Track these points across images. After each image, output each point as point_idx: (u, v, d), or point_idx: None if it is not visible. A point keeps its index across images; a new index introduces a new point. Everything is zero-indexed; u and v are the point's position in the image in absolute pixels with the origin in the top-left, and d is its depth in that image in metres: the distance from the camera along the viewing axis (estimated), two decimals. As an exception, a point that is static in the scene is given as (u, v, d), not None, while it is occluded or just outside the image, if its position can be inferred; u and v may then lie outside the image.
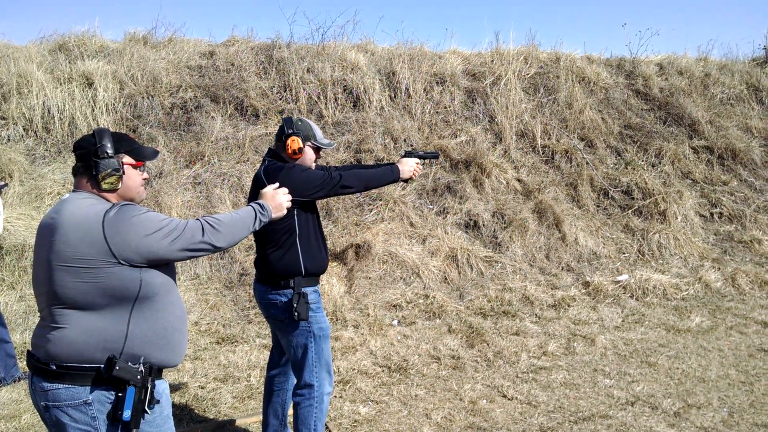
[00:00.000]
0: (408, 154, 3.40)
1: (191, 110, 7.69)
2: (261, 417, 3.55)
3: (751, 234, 7.80)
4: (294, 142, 3.01)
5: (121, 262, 1.91)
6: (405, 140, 7.88)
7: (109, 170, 2.03)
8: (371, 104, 8.23)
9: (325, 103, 8.07)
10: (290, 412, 3.43)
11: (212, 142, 7.33)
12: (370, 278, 6.26)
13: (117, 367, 1.89)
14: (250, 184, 6.95)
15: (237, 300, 5.87)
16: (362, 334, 5.41)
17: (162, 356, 2.06)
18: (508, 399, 4.35)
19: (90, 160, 2.03)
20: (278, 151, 3.11)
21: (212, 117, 7.63)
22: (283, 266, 2.97)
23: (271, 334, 3.42)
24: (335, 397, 4.30)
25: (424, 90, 8.62)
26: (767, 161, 9.10)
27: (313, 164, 3.17)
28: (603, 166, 8.44)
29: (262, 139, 7.55)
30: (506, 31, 13.32)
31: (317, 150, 3.17)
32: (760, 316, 6.07)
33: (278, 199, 2.48)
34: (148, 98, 7.62)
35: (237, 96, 7.89)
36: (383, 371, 4.76)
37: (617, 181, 8.23)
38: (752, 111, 9.85)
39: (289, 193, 2.58)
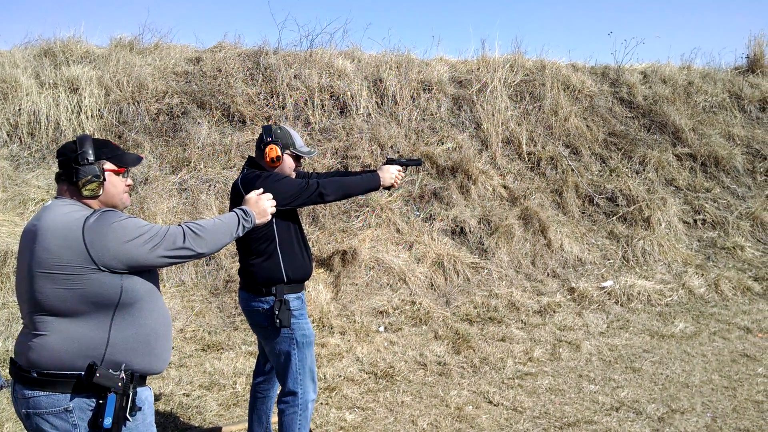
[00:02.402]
0: (390, 162, 3.37)
1: (177, 116, 7.67)
2: (246, 425, 3.54)
3: (733, 240, 7.88)
4: (272, 151, 2.98)
5: (101, 268, 1.90)
6: (392, 147, 7.90)
7: (89, 177, 2.02)
8: (358, 111, 8.24)
9: (312, 110, 8.08)
10: (274, 419, 3.42)
11: (198, 148, 7.31)
12: (356, 285, 6.26)
13: (97, 374, 1.89)
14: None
15: (223, 307, 5.85)
16: (348, 340, 5.40)
17: (144, 363, 2.05)
18: (494, 405, 4.36)
19: (71, 167, 2.02)
20: (257, 160, 3.10)
21: (198, 123, 7.61)
22: (265, 274, 2.97)
23: (257, 342, 3.42)
24: (321, 404, 4.29)
25: (411, 97, 8.65)
26: (749, 168, 9.21)
27: (293, 172, 3.15)
28: (588, 173, 8.51)
29: (248, 146, 7.54)
30: (492, 39, 13.41)
31: (297, 158, 3.14)
32: (743, 321, 6.13)
33: (262, 204, 2.46)
34: (133, 104, 7.59)
35: (223, 102, 7.87)
36: (369, 378, 4.76)
37: (602, 187, 8.30)
38: (734, 119, 9.97)
39: None
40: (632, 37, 17.00)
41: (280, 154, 3.01)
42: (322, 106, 8.18)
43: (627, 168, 8.66)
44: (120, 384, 1.94)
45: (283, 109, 8.03)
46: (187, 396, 4.38)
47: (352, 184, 3.13)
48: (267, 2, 24.17)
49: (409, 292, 6.29)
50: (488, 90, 8.99)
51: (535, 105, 9.13)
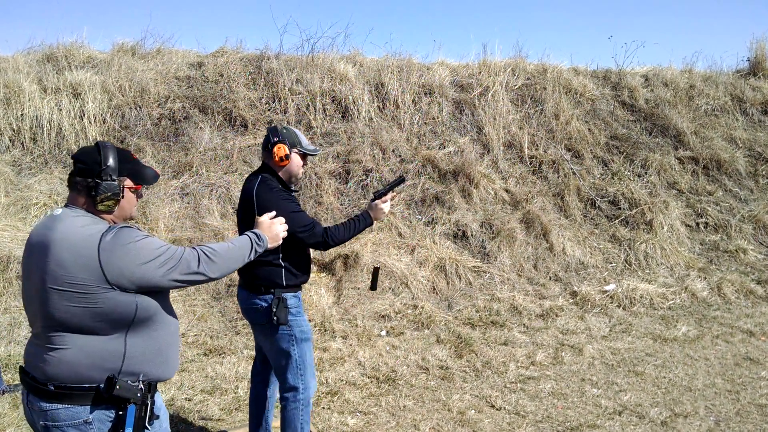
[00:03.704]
0: (376, 196, 3.32)
1: (179, 121, 7.68)
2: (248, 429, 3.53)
3: (736, 243, 7.87)
4: (280, 150, 3.02)
5: (114, 287, 1.87)
6: (393, 151, 7.90)
7: (109, 194, 1.98)
8: (360, 115, 8.25)
9: (314, 114, 8.09)
10: (275, 424, 3.42)
11: (200, 152, 7.32)
12: (358, 289, 6.25)
13: (117, 386, 1.88)
14: (238, 194, 6.91)
15: (224, 311, 5.85)
16: (350, 344, 5.40)
17: (159, 372, 2.05)
18: (497, 409, 4.35)
19: (91, 178, 1.97)
20: (266, 161, 3.13)
21: (200, 127, 7.62)
22: (266, 276, 3.02)
23: (254, 342, 3.44)
24: (323, 408, 4.28)
25: (413, 101, 8.66)
26: (751, 172, 9.20)
27: (301, 170, 3.19)
28: (590, 177, 8.50)
29: (250, 150, 7.55)
30: (493, 43, 13.43)
31: (304, 156, 3.18)
32: (746, 325, 6.12)
33: (275, 229, 2.49)
34: (136, 109, 7.61)
35: (225, 107, 7.89)
36: (371, 382, 4.75)
37: (604, 191, 8.29)
38: (736, 122, 9.97)
39: (262, 213, 2.69)
40: (632, 41, 16.98)
41: (288, 153, 3.05)
42: (324, 111, 8.19)
43: (629, 171, 8.65)
44: (139, 394, 1.93)
45: (285, 113, 8.04)
46: (189, 400, 4.38)
47: (350, 231, 3.15)
48: (268, 7, 24.26)
49: (411, 296, 6.29)
50: (490, 94, 8.99)
51: (537, 109, 9.13)
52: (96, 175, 1.97)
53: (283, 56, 8.76)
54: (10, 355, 4.76)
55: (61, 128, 7.21)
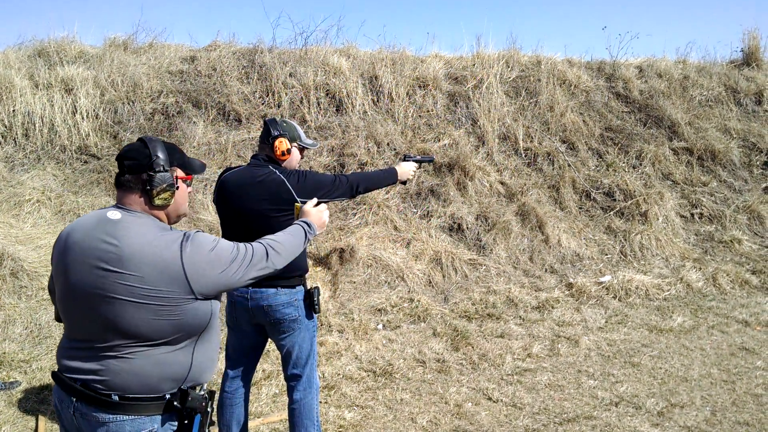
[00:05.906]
0: (407, 158, 3.54)
1: (173, 116, 7.64)
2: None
3: (731, 234, 7.89)
4: (282, 144, 3.01)
5: (198, 297, 1.86)
6: (388, 144, 7.88)
7: (164, 185, 1.93)
8: (354, 108, 8.22)
9: (308, 108, 8.06)
10: (275, 417, 3.41)
11: (194, 147, 7.29)
12: (354, 282, 6.25)
13: (189, 398, 1.89)
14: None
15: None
16: (347, 338, 5.39)
17: (209, 376, 2.05)
18: (494, 401, 4.36)
19: (143, 172, 1.92)
20: (267, 153, 3.09)
21: (194, 122, 7.58)
22: (297, 265, 2.94)
23: (228, 346, 3.26)
24: (320, 402, 4.27)
25: (407, 94, 8.63)
26: (746, 162, 9.21)
27: (298, 165, 3.21)
28: (585, 168, 8.50)
29: (244, 144, 7.52)
30: (487, 35, 13.39)
31: (302, 150, 3.20)
32: (741, 315, 6.14)
33: (322, 216, 2.50)
34: (128, 104, 7.56)
35: (219, 101, 7.85)
36: (368, 376, 4.75)
37: (599, 182, 8.29)
38: (731, 112, 9.97)
39: (300, 194, 2.82)
40: (626, 32, 16.98)
41: (290, 147, 3.05)
42: (318, 104, 8.16)
43: (624, 163, 8.65)
44: (204, 404, 1.94)
45: (278, 107, 8.01)
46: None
47: (375, 178, 3.27)
48: (260, 0, 24.13)
49: (407, 290, 6.28)
50: (484, 86, 8.97)
51: (531, 100, 9.11)
52: (148, 168, 1.92)
53: (276, 50, 8.72)
54: (5, 353, 4.73)
55: (53, 124, 7.17)
